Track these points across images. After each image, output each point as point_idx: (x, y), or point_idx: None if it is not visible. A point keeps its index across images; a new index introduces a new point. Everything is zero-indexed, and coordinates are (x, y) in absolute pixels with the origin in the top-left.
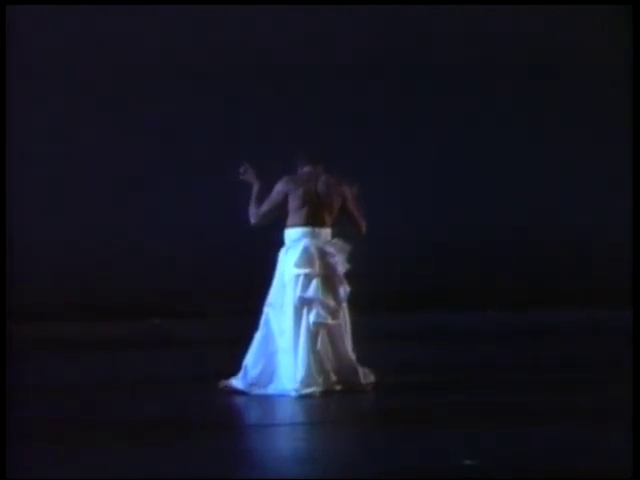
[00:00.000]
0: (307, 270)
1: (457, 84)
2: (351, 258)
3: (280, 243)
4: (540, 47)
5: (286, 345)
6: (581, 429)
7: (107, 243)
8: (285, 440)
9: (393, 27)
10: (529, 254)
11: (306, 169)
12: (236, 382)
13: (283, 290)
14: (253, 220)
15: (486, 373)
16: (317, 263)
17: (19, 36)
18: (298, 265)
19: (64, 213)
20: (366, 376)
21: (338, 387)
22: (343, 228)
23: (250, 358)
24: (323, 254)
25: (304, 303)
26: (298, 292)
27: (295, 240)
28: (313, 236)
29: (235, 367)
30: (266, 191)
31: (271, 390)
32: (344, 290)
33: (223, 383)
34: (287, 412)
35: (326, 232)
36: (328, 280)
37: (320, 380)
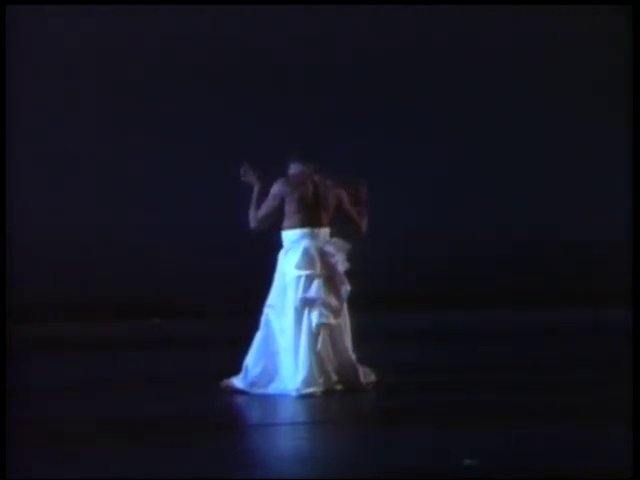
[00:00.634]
0: (308, 271)
1: (457, 84)
2: (351, 257)
3: (279, 245)
4: (540, 47)
5: (287, 345)
6: (581, 429)
7: (107, 243)
8: (286, 440)
9: (393, 27)
10: (529, 254)
11: (297, 168)
12: (237, 382)
13: (284, 292)
14: (252, 224)
15: (486, 373)
16: (318, 264)
17: (19, 36)
18: (299, 267)
19: (64, 213)
20: (366, 376)
21: (339, 387)
22: (342, 228)
23: (251, 358)
24: (323, 254)
25: (306, 304)
26: (300, 293)
27: (294, 242)
28: (312, 237)
29: (235, 367)
30: (266, 193)
31: (272, 390)
32: (345, 289)
33: (224, 383)
34: (288, 412)
35: (324, 232)
36: (330, 280)
37: (321, 380)
